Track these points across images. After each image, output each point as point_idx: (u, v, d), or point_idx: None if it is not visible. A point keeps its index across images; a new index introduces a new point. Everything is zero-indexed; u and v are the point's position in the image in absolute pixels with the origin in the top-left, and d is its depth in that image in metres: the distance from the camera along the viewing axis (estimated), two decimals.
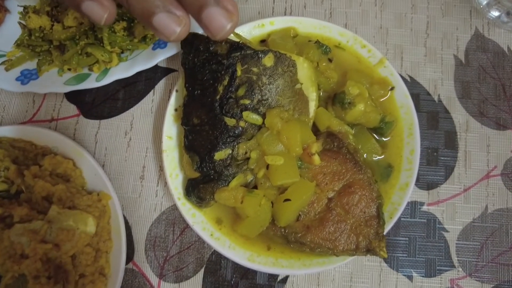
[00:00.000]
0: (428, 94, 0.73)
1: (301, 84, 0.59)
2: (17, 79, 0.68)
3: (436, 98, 0.73)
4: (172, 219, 0.68)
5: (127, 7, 0.39)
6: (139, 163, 0.71)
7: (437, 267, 0.67)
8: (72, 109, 0.73)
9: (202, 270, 0.66)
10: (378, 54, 0.67)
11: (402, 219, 0.69)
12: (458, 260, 0.67)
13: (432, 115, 0.72)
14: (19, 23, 0.72)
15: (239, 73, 0.55)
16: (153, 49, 0.68)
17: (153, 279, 0.66)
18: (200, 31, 0.63)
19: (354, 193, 0.58)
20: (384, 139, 0.65)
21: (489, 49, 0.75)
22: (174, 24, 0.38)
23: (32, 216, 0.61)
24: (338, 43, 0.69)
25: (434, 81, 0.74)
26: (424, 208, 0.69)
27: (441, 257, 0.67)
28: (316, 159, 0.57)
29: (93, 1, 0.38)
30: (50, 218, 0.61)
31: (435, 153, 0.71)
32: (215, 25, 0.38)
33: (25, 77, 0.69)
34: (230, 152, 0.56)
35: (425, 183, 0.70)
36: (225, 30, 0.39)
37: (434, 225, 0.68)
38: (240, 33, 0.64)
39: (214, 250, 0.67)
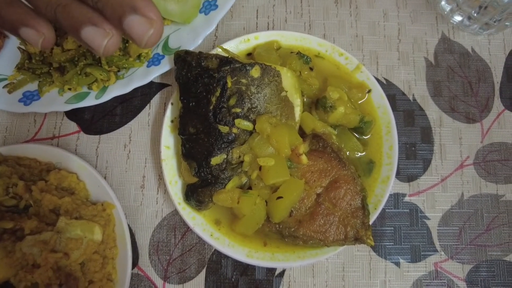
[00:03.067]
0: (403, 94, 0.77)
1: (286, 91, 0.62)
2: (19, 100, 0.71)
3: (411, 98, 0.77)
4: (173, 224, 0.71)
5: (57, 24, 0.38)
6: (139, 173, 0.73)
7: (422, 253, 0.70)
8: (73, 126, 0.75)
9: (204, 270, 0.69)
10: (355, 60, 0.71)
11: (386, 210, 0.72)
12: (440, 244, 0.70)
13: (408, 113, 0.76)
14: (19, 48, 0.75)
15: (229, 84, 0.59)
16: (148, 66, 0.71)
17: (158, 281, 0.69)
18: (193, 45, 0.69)
19: (340, 187, 0.61)
20: (365, 138, 0.69)
21: (455, 51, 0.80)
22: (101, 37, 0.37)
23: (42, 228, 0.64)
24: (318, 53, 0.72)
25: (408, 82, 0.78)
26: (406, 199, 0.72)
27: (424, 243, 0.70)
28: (304, 158, 0.60)
29: (29, 27, 0.38)
30: (58, 228, 0.64)
31: (413, 148, 0.75)
32: (136, 32, 0.37)
33: (27, 98, 0.71)
34: (225, 157, 0.59)
35: (405, 176, 0.74)
36: (147, 36, 0.38)
37: (416, 214, 0.72)
38: (228, 49, 0.69)
39: (215, 250, 0.70)
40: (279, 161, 0.59)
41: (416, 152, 0.75)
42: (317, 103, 0.66)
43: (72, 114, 0.76)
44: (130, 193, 0.72)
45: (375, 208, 0.65)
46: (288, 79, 0.63)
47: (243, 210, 0.59)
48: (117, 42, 0.39)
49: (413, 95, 0.77)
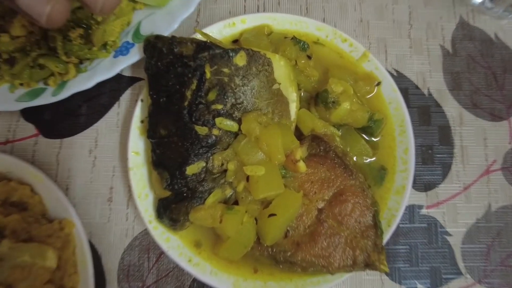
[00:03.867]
0: (417, 88, 0.70)
1: (279, 84, 0.56)
2: None
3: (426, 92, 0.70)
4: (146, 244, 0.63)
5: None
6: (106, 184, 0.66)
7: (443, 276, 0.63)
8: (30, 128, 0.68)
9: None
10: (361, 47, 0.64)
11: (400, 225, 0.64)
12: (465, 266, 0.63)
13: (423, 110, 0.69)
14: None
15: (208, 75, 0.52)
16: (115, 56, 0.63)
17: None
18: (168, 31, 0.61)
19: (346, 201, 0.54)
20: (374, 139, 0.62)
21: (476, 37, 0.73)
22: (41, 2, 0.33)
23: None
24: (317, 39, 0.65)
25: (422, 73, 0.71)
26: (423, 211, 0.65)
27: (446, 265, 0.63)
28: (302, 166, 0.53)
29: None
30: (0, 255, 0.53)
31: (429, 151, 0.68)
32: None
33: None
34: (204, 165, 0.52)
35: (422, 184, 0.66)
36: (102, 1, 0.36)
37: (435, 230, 0.65)
38: (209, 34, 0.60)
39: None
40: (270, 170, 0.52)
41: (434, 155, 0.68)
42: (316, 98, 0.59)
43: (29, 115, 0.68)
44: (96, 207, 0.65)
45: (389, 225, 0.58)
46: (281, 68, 0.56)
47: (227, 231, 0.52)
48: (64, 10, 0.35)
49: (428, 88, 0.71)
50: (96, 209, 0.64)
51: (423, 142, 0.68)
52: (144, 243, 0.63)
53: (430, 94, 0.70)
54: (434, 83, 0.70)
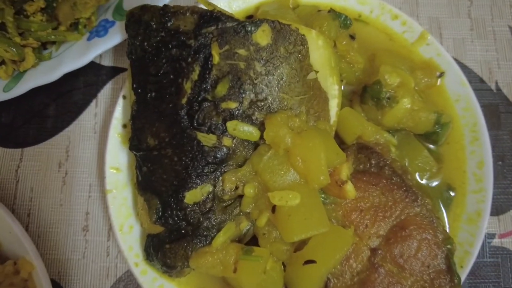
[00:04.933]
0: (482, 81, 0.62)
1: (317, 72, 0.44)
2: None
3: (493, 86, 0.62)
4: None
5: None
6: (81, 208, 0.58)
7: None
8: None
9: None
10: (418, 27, 0.56)
11: None
12: None
13: (490, 109, 0.61)
14: None
15: (216, 59, 0.41)
16: (89, 39, 0.54)
17: None
18: (158, 3, 0.50)
19: (410, 237, 0.44)
20: (434, 147, 0.53)
21: None
22: None
23: None
24: (358, 15, 0.57)
25: (487, 63, 0.63)
26: (496, 241, 0.57)
27: None
28: (350, 189, 0.43)
29: None
30: None
31: (500, 162, 0.59)
32: None
33: None
34: (211, 189, 0.42)
35: (493, 206, 0.55)
36: None
37: (511, 265, 0.56)
38: (215, 4, 0.47)
39: None
40: (309, 198, 0.41)
41: (505, 168, 0.59)
42: (364, 93, 0.50)
43: None
44: (67, 239, 0.57)
45: (461, 266, 0.49)
46: (319, 50, 0.45)
47: (244, 283, 0.42)
48: None
49: (496, 82, 0.63)
50: (67, 242, 0.56)
51: (491, 151, 0.57)
52: (131, 286, 0.55)
53: (498, 89, 0.62)
54: (504, 75, 0.63)
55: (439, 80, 0.54)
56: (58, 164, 0.59)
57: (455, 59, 0.61)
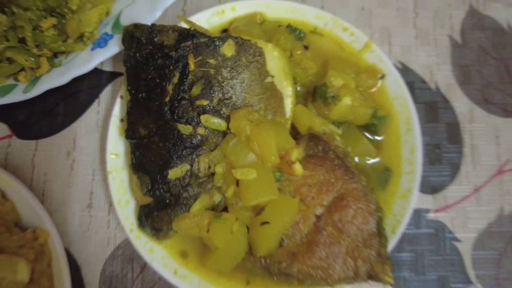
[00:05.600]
0: (424, 81, 0.68)
1: (273, 77, 0.54)
2: None
3: (433, 86, 0.68)
4: (130, 254, 0.61)
5: None
6: (86, 189, 0.64)
7: (452, 285, 0.61)
8: (3, 129, 0.66)
9: None
10: (363, 37, 0.62)
11: (405, 231, 0.60)
12: (475, 274, 0.61)
13: (430, 105, 0.67)
14: None
15: (192, 67, 0.49)
16: (92, 49, 0.61)
17: None
18: (150, 21, 0.58)
19: (347, 206, 0.51)
20: (378, 138, 0.60)
21: (487, 27, 0.70)
22: None
23: None
24: (315, 28, 0.63)
25: (429, 66, 0.69)
26: (430, 215, 0.63)
27: (455, 273, 0.61)
28: (298, 168, 0.51)
29: None
30: None
31: (437, 150, 0.66)
32: None
33: None
34: (189, 168, 0.50)
35: (428, 186, 0.64)
36: None
37: (443, 235, 0.63)
38: (195, 22, 0.56)
39: None
40: (263, 173, 0.49)
41: (441, 155, 0.66)
42: (314, 93, 0.57)
43: (2, 114, 0.67)
44: (74, 214, 0.63)
45: (393, 232, 0.56)
46: (274, 59, 0.53)
47: (215, 241, 0.49)
48: None
49: (436, 82, 0.68)
50: (74, 217, 0.62)
51: (430, 140, 0.66)
52: (128, 253, 0.61)
53: (437, 89, 0.68)
54: (442, 77, 0.68)
55: (380, 81, 0.61)
56: (66, 153, 0.64)
57: (402, 63, 0.69)
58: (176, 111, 0.48)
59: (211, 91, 0.49)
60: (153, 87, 0.50)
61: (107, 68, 0.67)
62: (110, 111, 0.63)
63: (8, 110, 0.65)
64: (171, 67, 0.49)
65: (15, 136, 0.65)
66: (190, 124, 0.49)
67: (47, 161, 0.64)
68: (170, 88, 0.49)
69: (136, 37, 0.51)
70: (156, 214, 0.49)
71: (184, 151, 0.49)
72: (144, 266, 0.60)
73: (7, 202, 0.58)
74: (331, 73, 0.56)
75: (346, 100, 0.55)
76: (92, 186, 0.63)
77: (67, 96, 0.67)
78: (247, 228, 0.50)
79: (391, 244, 0.55)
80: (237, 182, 0.49)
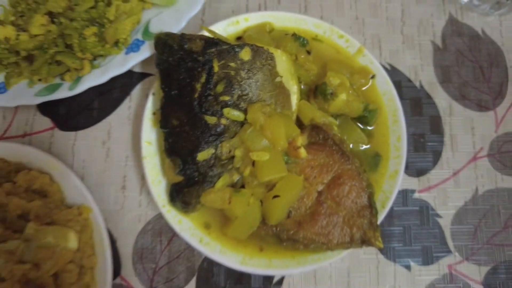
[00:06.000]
0: (410, 81, 0.73)
1: (281, 77, 0.59)
2: None
3: (417, 84, 0.73)
4: (158, 228, 0.66)
5: None
6: (120, 173, 0.69)
7: (434, 254, 0.66)
8: (46, 122, 0.71)
9: (194, 279, 0.64)
10: (356, 43, 0.67)
11: (394, 208, 0.68)
12: (454, 245, 0.67)
13: (415, 101, 0.72)
14: None
15: (216, 69, 0.55)
16: (126, 53, 0.66)
17: None
18: (175, 29, 0.64)
19: (343, 184, 0.57)
20: (369, 128, 0.65)
21: (464, 33, 0.76)
22: None
23: (7, 236, 0.58)
24: (315, 35, 0.68)
25: (414, 67, 0.74)
26: (416, 195, 0.68)
27: (437, 244, 0.66)
28: (302, 152, 0.56)
29: None
30: (27, 236, 0.57)
31: (421, 139, 0.71)
32: None
33: None
34: (213, 151, 0.55)
35: (414, 170, 0.69)
36: None
37: (427, 212, 0.68)
38: (215, 31, 0.63)
39: (205, 257, 0.65)
40: (274, 155, 0.55)
41: (425, 143, 0.71)
42: (315, 91, 0.62)
43: (45, 109, 0.71)
44: (110, 195, 0.68)
45: (383, 207, 0.61)
46: (283, 63, 0.59)
47: (235, 212, 0.55)
48: None
49: (420, 81, 0.73)
50: (110, 197, 0.67)
51: (415, 131, 0.71)
52: (156, 228, 0.66)
53: (421, 87, 0.73)
54: (426, 76, 0.73)
55: (371, 80, 0.65)
56: (102, 142, 0.69)
57: (391, 65, 0.73)
58: (204, 105, 0.54)
59: (232, 89, 0.54)
60: (184, 85, 0.55)
61: (137, 69, 0.72)
62: (140, 106, 0.70)
63: (51, 105, 0.70)
64: (199, 69, 0.54)
65: (57, 128, 0.70)
66: (215, 115, 0.54)
67: (85, 150, 0.69)
68: (198, 86, 0.54)
69: (169, 44, 0.56)
70: (187, 190, 0.55)
71: (210, 137, 0.54)
72: (171, 239, 0.65)
73: (54, 183, 0.63)
74: (329, 74, 0.60)
75: (342, 96, 0.59)
76: (125, 171, 0.68)
77: (102, 93, 0.71)
78: (261, 202, 0.55)
79: (381, 217, 0.60)
80: (253, 163, 0.54)
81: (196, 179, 0.55)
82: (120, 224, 0.66)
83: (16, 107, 0.71)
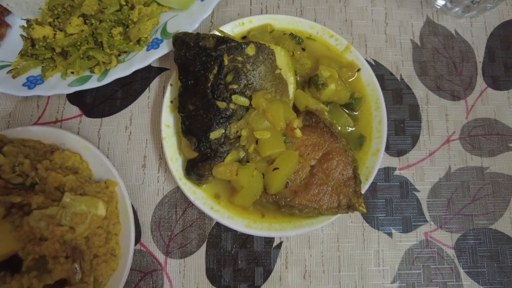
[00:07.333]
0: (392, 74, 0.81)
1: (280, 69, 0.66)
2: (23, 85, 0.74)
3: (398, 77, 0.81)
4: (174, 201, 0.74)
5: None
6: (140, 153, 0.76)
7: (412, 223, 0.73)
8: (75, 110, 0.79)
9: (205, 244, 0.72)
10: (344, 41, 0.74)
11: (378, 183, 0.75)
12: (429, 215, 0.73)
13: (396, 92, 0.80)
14: (21, 35, 0.78)
15: (226, 62, 0.62)
16: (147, 50, 0.74)
17: (160, 257, 0.72)
18: (189, 30, 0.73)
19: (332, 159, 0.64)
20: (355, 113, 0.72)
21: (439, 33, 0.84)
22: None
23: (48, 203, 0.66)
24: (310, 35, 0.75)
25: (395, 63, 0.81)
26: (397, 172, 0.76)
27: (415, 214, 0.74)
28: (298, 132, 0.64)
29: None
30: (64, 204, 0.67)
31: (402, 125, 0.78)
32: None
33: (31, 83, 0.74)
34: (224, 131, 0.62)
35: (395, 151, 0.77)
36: None
37: (406, 187, 0.75)
38: (224, 31, 0.72)
39: (215, 225, 0.73)
40: (274, 134, 0.62)
41: (405, 128, 0.78)
42: (309, 82, 0.69)
43: (74, 99, 0.79)
44: (132, 172, 0.75)
45: (367, 179, 0.68)
46: (281, 57, 0.67)
47: (241, 182, 0.63)
48: None
49: (401, 75, 0.81)
50: (132, 174, 0.75)
51: (396, 117, 0.78)
52: (172, 200, 0.73)
53: (402, 79, 0.80)
54: (406, 70, 0.81)
55: (356, 73, 0.72)
56: (125, 127, 0.76)
57: (375, 61, 0.81)
58: (216, 93, 0.60)
59: (239, 79, 0.61)
60: (199, 76, 0.61)
61: (155, 64, 0.79)
62: (158, 96, 0.78)
63: (79, 96, 0.78)
64: (212, 63, 0.61)
65: (84, 115, 0.77)
66: (225, 101, 0.60)
67: (110, 134, 0.76)
68: (211, 77, 0.61)
69: (186, 42, 0.63)
70: (201, 164, 0.62)
71: (221, 120, 0.61)
72: (185, 210, 0.73)
73: (83, 162, 0.72)
74: (321, 67, 0.67)
75: (332, 86, 0.66)
76: (145, 152, 0.75)
77: (124, 85, 0.78)
78: (263, 175, 0.63)
79: (366, 187, 0.67)
80: (257, 141, 0.61)
81: (209, 155, 0.63)
82: (140, 197, 0.74)
83: (48, 97, 0.80)
